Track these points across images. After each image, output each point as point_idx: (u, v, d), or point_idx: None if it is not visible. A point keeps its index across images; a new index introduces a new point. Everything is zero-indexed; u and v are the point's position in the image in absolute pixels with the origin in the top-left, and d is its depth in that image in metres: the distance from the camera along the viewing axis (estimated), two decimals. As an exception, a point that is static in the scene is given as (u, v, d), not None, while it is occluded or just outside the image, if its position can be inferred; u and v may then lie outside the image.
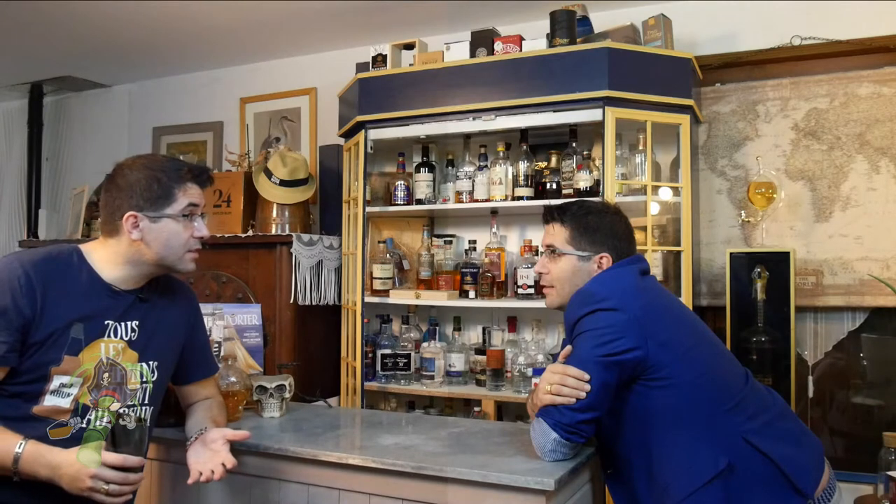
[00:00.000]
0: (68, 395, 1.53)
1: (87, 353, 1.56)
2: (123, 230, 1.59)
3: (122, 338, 1.62)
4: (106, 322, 1.59)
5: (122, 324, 1.62)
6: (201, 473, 1.59)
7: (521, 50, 2.85)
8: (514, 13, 3.27)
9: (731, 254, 2.75)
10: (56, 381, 1.52)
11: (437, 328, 3.25)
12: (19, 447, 1.43)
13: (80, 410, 1.55)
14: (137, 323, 1.65)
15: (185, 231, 1.63)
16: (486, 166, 3.05)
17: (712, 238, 3.06)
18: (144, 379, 1.65)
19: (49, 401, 1.52)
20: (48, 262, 1.57)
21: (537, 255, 2.97)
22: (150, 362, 1.67)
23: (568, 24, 2.77)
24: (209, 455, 1.64)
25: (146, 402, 1.67)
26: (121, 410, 1.42)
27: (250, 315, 2.34)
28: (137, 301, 1.66)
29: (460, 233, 3.39)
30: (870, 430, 2.74)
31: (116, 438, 1.44)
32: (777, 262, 2.67)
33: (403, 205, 3.18)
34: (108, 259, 1.62)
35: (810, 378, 2.89)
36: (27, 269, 1.52)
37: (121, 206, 1.59)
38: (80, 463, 1.41)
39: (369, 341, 3.16)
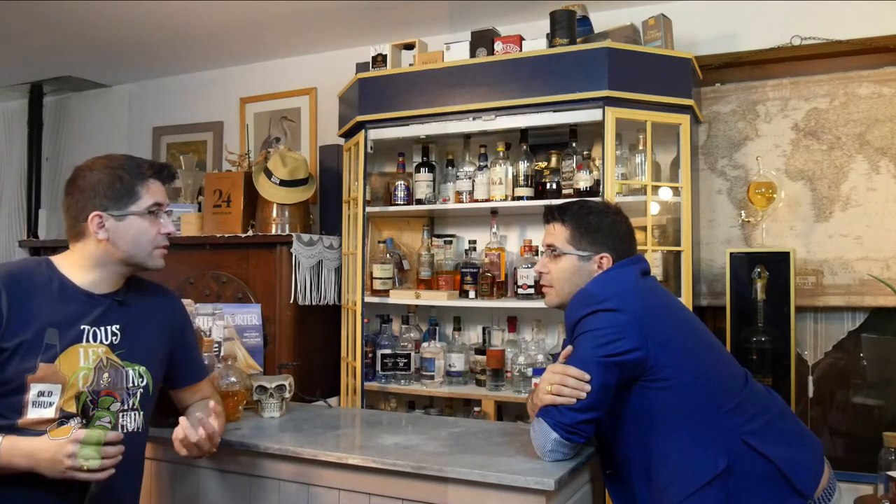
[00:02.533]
0: (49, 404, 1.51)
1: (65, 359, 1.53)
2: (89, 232, 1.59)
3: (101, 342, 1.60)
4: (82, 327, 1.57)
5: (102, 328, 1.60)
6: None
7: (521, 50, 2.85)
8: (514, 13, 3.27)
9: (731, 254, 2.75)
10: (34, 390, 1.50)
11: (437, 328, 3.25)
12: None
13: (78, 410, 1.53)
14: (118, 327, 1.63)
15: (151, 228, 1.63)
16: (486, 166, 3.05)
17: (712, 238, 3.06)
18: (136, 383, 1.64)
19: (32, 412, 1.50)
20: (15, 272, 1.56)
21: (537, 255, 2.97)
22: (137, 367, 1.65)
23: (568, 24, 2.77)
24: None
25: (137, 407, 1.66)
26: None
27: (250, 315, 2.34)
28: (115, 304, 1.64)
29: (460, 233, 3.38)
30: (870, 430, 2.74)
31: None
32: (777, 262, 2.67)
33: (403, 205, 3.18)
34: (77, 264, 1.62)
35: (810, 378, 2.89)
36: None
37: (84, 207, 1.59)
38: (80, 460, 1.41)
39: (369, 341, 3.16)
